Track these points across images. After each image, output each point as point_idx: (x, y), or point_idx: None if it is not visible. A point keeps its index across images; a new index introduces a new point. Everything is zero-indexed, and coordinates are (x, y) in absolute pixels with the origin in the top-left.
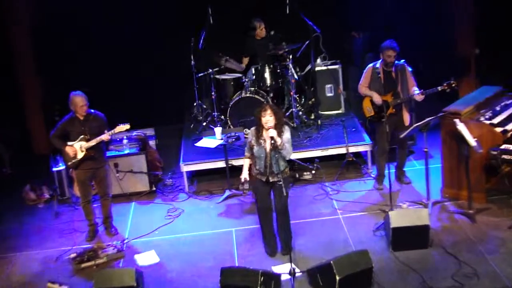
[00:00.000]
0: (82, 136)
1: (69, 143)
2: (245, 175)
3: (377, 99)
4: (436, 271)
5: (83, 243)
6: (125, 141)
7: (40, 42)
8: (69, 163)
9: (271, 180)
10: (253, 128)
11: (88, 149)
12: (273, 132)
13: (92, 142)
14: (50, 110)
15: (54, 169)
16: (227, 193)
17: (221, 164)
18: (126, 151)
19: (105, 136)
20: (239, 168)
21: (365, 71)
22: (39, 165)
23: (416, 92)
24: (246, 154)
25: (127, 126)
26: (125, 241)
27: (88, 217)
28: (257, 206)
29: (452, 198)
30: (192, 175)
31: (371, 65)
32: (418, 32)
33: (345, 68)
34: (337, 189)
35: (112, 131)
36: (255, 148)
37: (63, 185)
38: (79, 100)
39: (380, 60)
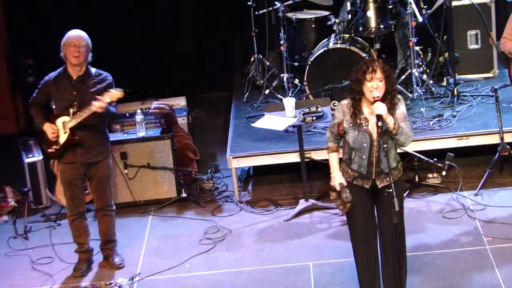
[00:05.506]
0: (70, 109)
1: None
2: (339, 178)
3: None
4: None
5: (69, 281)
6: (139, 118)
7: None
8: (49, 150)
9: (380, 186)
10: (345, 102)
11: (73, 129)
12: (382, 108)
13: (77, 118)
14: (18, 65)
15: (26, 160)
16: (303, 204)
17: (292, 157)
18: (141, 134)
19: (92, 107)
20: (323, 165)
21: None
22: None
23: None
24: (330, 144)
25: (119, 93)
26: (136, 279)
27: (78, 240)
28: (351, 229)
29: None
30: (246, 174)
31: None
32: None
33: (503, 3)
34: (483, 202)
35: (102, 99)
36: (351, 134)
37: (38, 186)
38: (71, 39)
39: None
